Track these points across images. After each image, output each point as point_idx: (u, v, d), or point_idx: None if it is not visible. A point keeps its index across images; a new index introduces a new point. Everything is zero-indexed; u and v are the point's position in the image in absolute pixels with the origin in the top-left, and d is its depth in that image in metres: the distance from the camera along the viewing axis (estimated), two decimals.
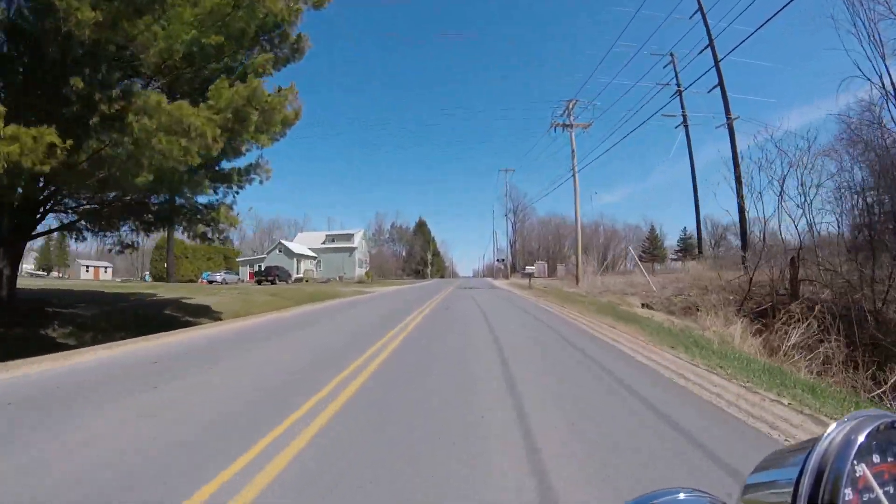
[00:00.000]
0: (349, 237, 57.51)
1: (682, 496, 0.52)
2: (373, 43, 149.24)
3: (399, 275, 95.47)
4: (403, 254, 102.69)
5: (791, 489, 0.45)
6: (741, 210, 28.15)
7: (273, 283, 42.66)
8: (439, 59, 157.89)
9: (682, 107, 34.08)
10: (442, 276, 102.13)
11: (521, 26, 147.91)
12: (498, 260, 69.95)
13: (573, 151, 25.15)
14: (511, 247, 77.34)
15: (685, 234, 64.50)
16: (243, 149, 11.70)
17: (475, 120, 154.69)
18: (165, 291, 23.29)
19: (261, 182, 12.22)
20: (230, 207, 12.16)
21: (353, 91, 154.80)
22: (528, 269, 22.59)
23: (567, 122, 25.76)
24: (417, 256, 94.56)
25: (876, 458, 0.46)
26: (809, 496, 0.43)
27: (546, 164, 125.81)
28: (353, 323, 10.19)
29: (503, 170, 60.80)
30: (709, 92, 30.70)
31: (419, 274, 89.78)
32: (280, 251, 52.58)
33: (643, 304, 14.90)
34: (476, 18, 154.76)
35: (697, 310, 14.21)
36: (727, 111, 29.77)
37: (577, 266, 22.20)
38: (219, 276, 47.57)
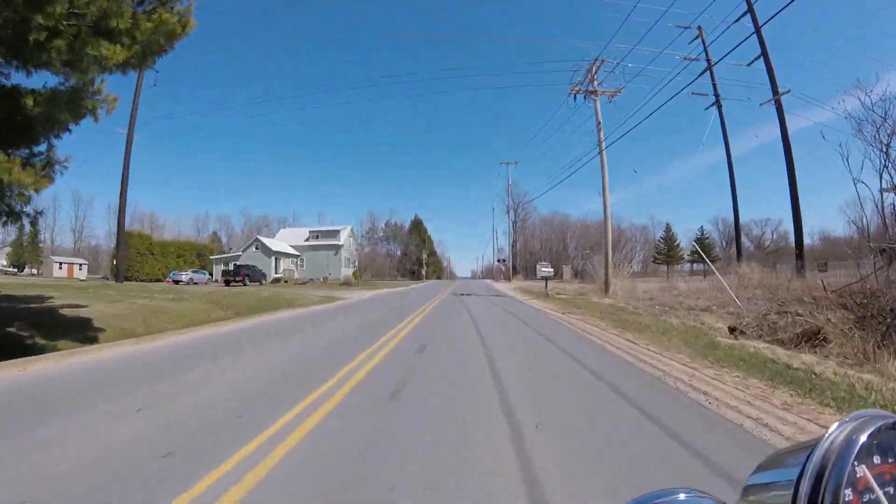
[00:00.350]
0: (335, 234, 52.06)
1: (682, 496, 0.50)
2: (373, 43, 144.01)
3: (393, 275, 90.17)
4: (398, 253, 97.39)
5: (791, 490, 0.44)
6: (794, 200, 23.11)
7: (243, 283, 37.43)
8: (438, 54, 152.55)
9: (714, 84, 29.00)
10: (439, 278, 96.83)
11: (523, 22, 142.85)
12: (499, 260, 64.60)
13: (599, 123, 19.97)
14: (511, 247, 72.14)
15: (701, 234, 59.35)
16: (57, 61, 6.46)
17: (475, 118, 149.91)
18: (77, 295, 17.92)
19: (94, 119, 6.95)
20: (44, 165, 6.86)
21: (352, 87, 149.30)
22: (544, 270, 17.06)
23: (590, 89, 20.57)
24: (413, 256, 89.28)
25: (877, 459, 0.45)
26: (809, 497, 0.43)
27: (549, 161, 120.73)
28: (254, 375, 5.04)
29: (504, 162, 55.58)
30: (749, 65, 25.74)
31: (414, 275, 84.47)
32: (257, 248, 47.21)
33: (731, 329, 9.70)
34: (475, 16, 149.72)
35: (824, 340, 9.04)
36: (774, 85, 24.64)
37: (606, 268, 17.01)
38: (184, 276, 42.47)
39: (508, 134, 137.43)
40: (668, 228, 60.88)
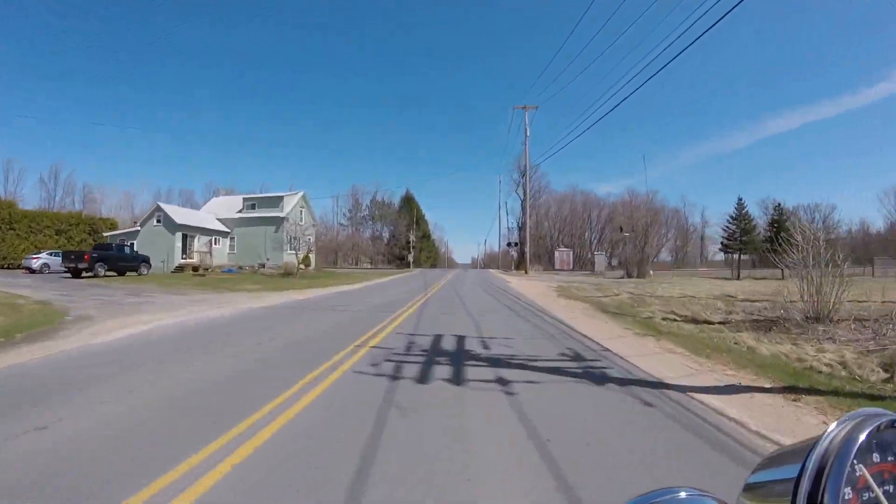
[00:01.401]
0: (276, 202, 36.84)
1: (682, 495, 0.50)
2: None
3: (378, 261, 75.55)
4: (386, 236, 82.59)
5: (791, 488, 0.44)
6: None
7: (94, 273, 22.97)
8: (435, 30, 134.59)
9: None
10: (434, 265, 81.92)
11: None
12: (509, 244, 49.51)
13: None
14: (519, 229, 56.97)
15: (777, 213, 43.66)
16: None
17: (477, 90, 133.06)
18: None
19: None
20: None
21: (347, 68, 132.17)
22: None
23: None
24: (403, 239, 74.27)
25: (876, 458, 0.46)
26: (809, 496, 0.43)
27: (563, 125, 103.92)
28: None
29: (519, 107, 40.04)
30: None
31: (403, 261, 69.69)
32: (159, 221, 32.52)
33: None
34: None
35: None
36: None
37: None
38: (35, 261, 28.03)
39: (513, 116, 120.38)
40: (740, 205, 44.47)
